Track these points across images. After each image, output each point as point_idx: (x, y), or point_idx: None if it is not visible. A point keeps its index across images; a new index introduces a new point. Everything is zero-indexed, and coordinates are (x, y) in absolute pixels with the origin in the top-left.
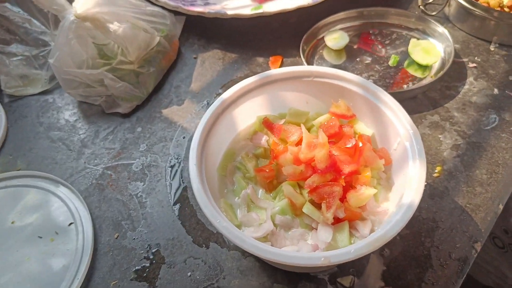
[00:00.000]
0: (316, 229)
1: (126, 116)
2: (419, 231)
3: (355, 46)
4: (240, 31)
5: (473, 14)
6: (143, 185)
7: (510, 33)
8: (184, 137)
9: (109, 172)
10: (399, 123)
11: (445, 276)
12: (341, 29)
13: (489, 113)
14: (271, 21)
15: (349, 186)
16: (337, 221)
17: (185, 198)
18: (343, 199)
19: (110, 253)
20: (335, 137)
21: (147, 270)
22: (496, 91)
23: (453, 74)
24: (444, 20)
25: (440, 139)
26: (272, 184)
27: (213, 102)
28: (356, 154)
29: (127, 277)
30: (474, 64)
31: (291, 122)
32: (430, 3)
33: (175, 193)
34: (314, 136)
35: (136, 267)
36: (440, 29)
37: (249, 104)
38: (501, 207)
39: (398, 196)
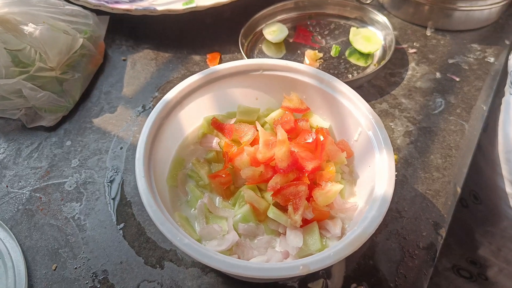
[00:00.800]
0: (284, 234)
1: (51, 129)
2: (384, 223)
3: (291, 40)
4: (172, 29)
5: (407, 1)
6: (79, 205)
7: (443, 17)
8: (121, 148)
9: (37, 194)
10: (358, 112)
11: (416, 267)
12: (279, 21)
13: (434, 97)
14: (205, 16)
15: (314, 184)
16: (305, 223)
17: (130, 216)
18: (309, 198)
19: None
20: (291, 133)
21: None
22: (438, 75)
23: (395, 61)
24: (379, 8)
25: (392, 127)
26: (229, 190)
27: (150, 106)
28: (317, 149)
29: None
30: (414, 50)
31: (242, 121)
32: None
33: (118, 211)
34: (271, 134)
35: None
36: (379, 17)
37: (194, 105)
38: (458, 189)
39: (366, 189)
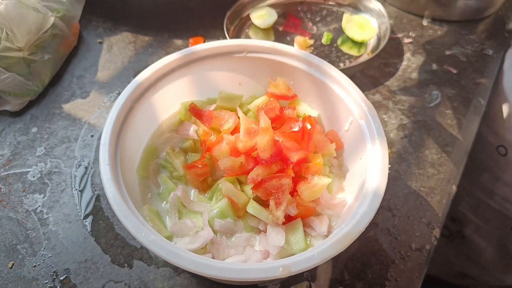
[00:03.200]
0: (264, 232)
1: (16, 114)
2: (375, 222)
3: (281, 29)
4: (153, 11)
5: None
6: (43, 197)
7: (441, 7)
8: (92, 136)
9: None
10: (350, 100)
11: (408, 270)
12: (268, 5)
13: (430, 89)
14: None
15: (299, 177)
16: (288, 219)
17: (98, 209)
18: (293, 192)
19: (4, 287)
20: (276, 122)
21: None
22: (434, 66)
23: (389, 50)
24: None
25: (385, 119)
26: (206, 182)
27: None
28: (304, 138)
29: None
30: (410, 40)
31: (222, 108)
32: None
33: (86, 204)
34: (253, 121)
35: None
36: (373, 4)
37: (171, 88)
38: (454, 188)
39: (356, 184)
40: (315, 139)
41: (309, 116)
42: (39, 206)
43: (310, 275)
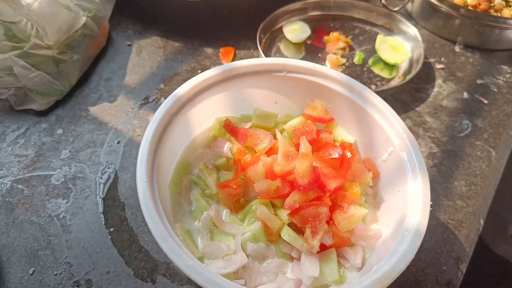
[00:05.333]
0: (297, 259)
1: (42, 114)
2: None
3: (309, 42)
4: (184, 17)
5: (438, 11)
6: (66, 203)
7: (474, 34)
8: (118, 142)
9: (20, 186)
10: (391, 130)
11: None
12: (301, 19)
13: (461, 118)
14: (221, 6)
15: (335, 205)
16: (322, 248)
17: (122, 219)
18: (329, 221)
19: None
20: (312, 145)
21: None
22: (465, 95)
23: (421, 75)
24: (407, 17)
25: None
26: (239, 203)
27: (154, 99)
28: (342, 166)
29: None
30: (442, 66)
31: (258, 126)
32: None
33: (109, 212)
34: (290, 143)
35: None
36: (408, 27)
37: (207, 103)
38: (482, 222)
39: (393, 217)
40: (353, 167)
41: (349, 144)
42: (62, 211)
43: None
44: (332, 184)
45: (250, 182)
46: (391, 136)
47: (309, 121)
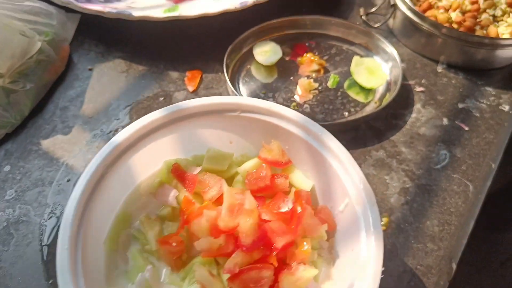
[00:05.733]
0: None
1: None
2: None
3: (287, 58)
4: (149, 37)
5: (420, 29)
6: (6, 250)
7: (458, 53)
8: (68, 180)
9: None
10: (348, 179)
11: None
12: (273, 40)
13: (439, 148)
14: (189, 27)
15: (282, 263)
16: None
17: None
18: (274, 284)
19: None
20: (264, 191)
21: None
22: (445, 121)
23: (399, 99)
24: (388, 33)
25: (387, 181)
26: (181, 260)
27: (110, 130)
28: (292, 221)
29: None
30: (422, 88)
31: (209, 170)
32: (372, 12)
33: (52, 261)
34: (239, 192)
35: None
36: (387, 46)
37: (153, 147)
38: (454, 266)
39: (346, 278)
40: (305, 223)
41: (306, 193)
42: (0, 260)
43: None
44: (280, 242)
45: (194, 237)
46: (347, 187)
47: (264, 165)
